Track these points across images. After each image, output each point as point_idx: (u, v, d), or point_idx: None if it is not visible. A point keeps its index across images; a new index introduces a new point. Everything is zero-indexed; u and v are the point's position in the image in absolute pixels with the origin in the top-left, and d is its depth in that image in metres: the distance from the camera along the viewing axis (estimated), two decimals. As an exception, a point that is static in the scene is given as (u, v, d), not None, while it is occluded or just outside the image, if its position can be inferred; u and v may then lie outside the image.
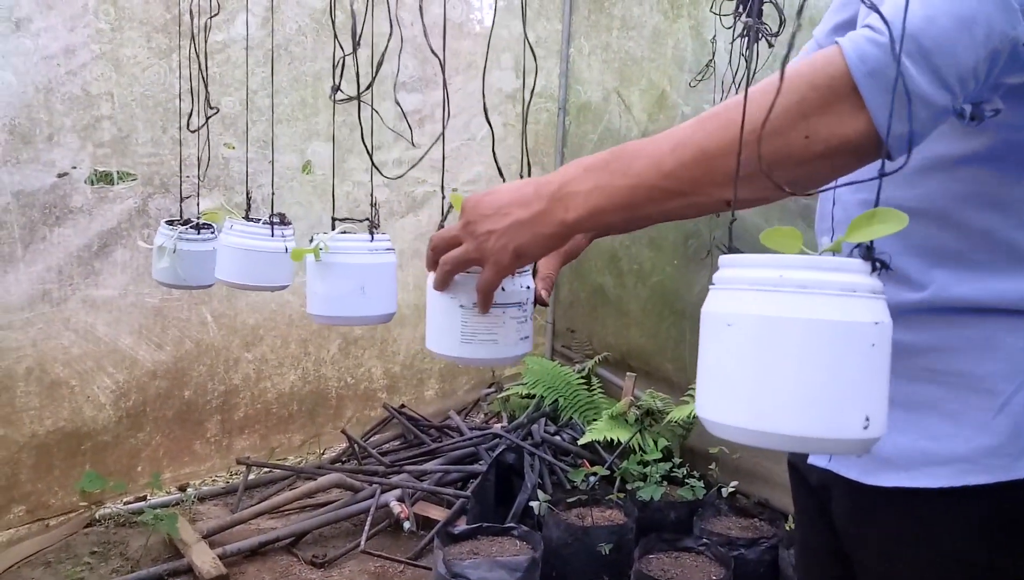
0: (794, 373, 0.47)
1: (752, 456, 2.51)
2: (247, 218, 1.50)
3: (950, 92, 0.58)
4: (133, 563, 2.30)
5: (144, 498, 2.67)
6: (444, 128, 1.01)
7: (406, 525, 2.45)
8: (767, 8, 1.91)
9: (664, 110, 2.98)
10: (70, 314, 2.44)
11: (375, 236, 1.13)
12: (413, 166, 1.01)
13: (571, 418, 2.97)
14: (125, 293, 2.54)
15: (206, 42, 1.70)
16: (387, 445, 3.11)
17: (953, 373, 0.72)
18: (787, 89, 0.58)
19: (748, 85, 0.57)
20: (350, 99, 1.06)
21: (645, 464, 2.51)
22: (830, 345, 0.47)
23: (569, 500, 2.38)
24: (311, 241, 1.11)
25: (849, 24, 0.85)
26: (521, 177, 0.92)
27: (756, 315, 0.49)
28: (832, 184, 0.63)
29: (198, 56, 1.67)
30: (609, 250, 3.23)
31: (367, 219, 1.15)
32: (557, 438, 2.80)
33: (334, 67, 1.11)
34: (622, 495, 2.39)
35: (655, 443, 2.57)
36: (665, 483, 2.46)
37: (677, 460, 2.59)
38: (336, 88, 1.10)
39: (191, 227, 1.63)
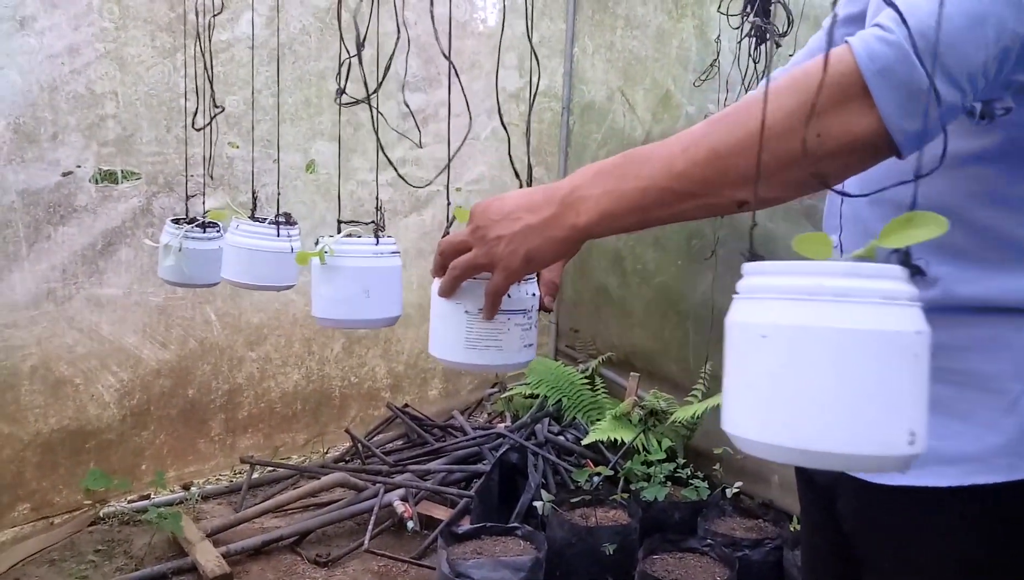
0: (835, 387, 0.44)
1: (757, 457, 2.50)
2: (253, 217, 1.50)
3: (960, 90, 0.58)
4: (137, 561, 2.30)
5: (148, 496, 2.68)
6: (448, 129, 1.01)
7: (410, 524, 2.45)
8: (774, 8, 1.90)
9: (668, 110, 2.97)
10: (74, 313, 2.45)
11: (380, 239, 1.13)
12: (441, 172, 1.00)
13: (575, 418, 2.97)
14: (129, 292, 2.54)
15: (210, 41, 1.70)
16: (391, 444, 3.11)
17: (961, 372, 0.72)
18: (798, 88, 0.59)
19: (767, 84, 0.56)
20: (356, 102, 1.06)
21: (649, 464, 2.51)
22: (875, 357, 0.44)
23: (573, 500, 2.38)
24: (316, 244, 1.10)
25: (858, 17, 0.85)
26: (520, 177, 0.92)
27: (793, 326, 0.46)
28: (876, 187, 0.60)
29: (203, 55, 1.67)
30: (613, 250, 3.23)
31: (372, 221, 1.14)
32: (561, 438, 2.80)
33: (339, 69, 1.11)
34: (626, 495, 2.38)
35: (659, 443, 2.57)
36: (669, 483, 2.46)
37: (681, 460, 2.58)
38: (341, 91, 1.09)
39: (197, 226, 1.63)
